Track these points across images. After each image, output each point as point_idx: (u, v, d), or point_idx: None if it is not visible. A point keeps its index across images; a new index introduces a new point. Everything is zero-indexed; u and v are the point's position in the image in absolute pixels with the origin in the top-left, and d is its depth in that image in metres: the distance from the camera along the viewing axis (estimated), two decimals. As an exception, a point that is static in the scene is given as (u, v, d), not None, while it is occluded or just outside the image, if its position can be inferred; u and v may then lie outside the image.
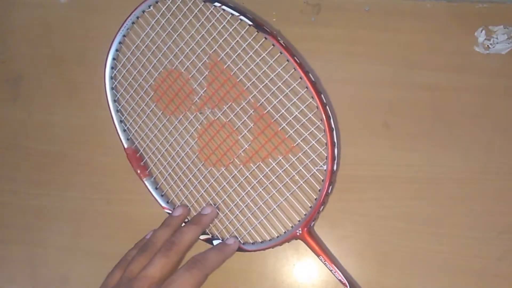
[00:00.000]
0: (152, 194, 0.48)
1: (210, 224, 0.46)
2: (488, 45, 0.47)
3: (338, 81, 0.48)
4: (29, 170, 0.51)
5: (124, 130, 0.49)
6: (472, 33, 0.48)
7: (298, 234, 0.42)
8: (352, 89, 0.48)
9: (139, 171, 0.48)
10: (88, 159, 0.50)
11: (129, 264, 0.40)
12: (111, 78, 0.48)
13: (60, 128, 0.52)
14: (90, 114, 0.51)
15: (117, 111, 0.49)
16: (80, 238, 0.49)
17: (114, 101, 0.49)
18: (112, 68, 0.48)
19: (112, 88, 0.49)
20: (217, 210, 0.46)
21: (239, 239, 0.45)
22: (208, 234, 0.46)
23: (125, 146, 0.48)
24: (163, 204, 0.47)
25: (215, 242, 0.45)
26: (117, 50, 0.48)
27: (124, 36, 0.48)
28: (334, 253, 0.45)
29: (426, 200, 0.46)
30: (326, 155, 0.42)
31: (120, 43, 0.48)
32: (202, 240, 0.45)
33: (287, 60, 0.42)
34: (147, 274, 0.38)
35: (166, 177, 0.48)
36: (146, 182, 0.48)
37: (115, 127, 0.48)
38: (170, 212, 0.46)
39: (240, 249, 0.44)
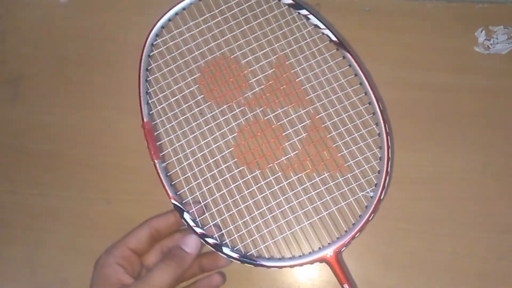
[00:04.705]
0: (161, 179, 0.42)
1: (222, 229, 0.42)
2: (488, 45, 0.47)
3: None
4: (29, 170, 0.51)
5: (148, 103, 0.44)
6: (472, 33, 0.48)
7: (328, 256, 0.40)
8: (351, 89, 0.48)
9: (152, 152, 0.43)
10: (88, 159, 0.50)
11: None
12: (152, 45, 0.44)
13: (60, 128, 0.52)
14: (90, 114, 0.51)
15: (146, 80, 0.44)
16: (80, 238, 0.49)
17: (146, 69, 0.44)
18: (156, 35, 0.44)
19: (148, 56, 0.44)
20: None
21: (254, 250, 0.41)
22: (216, 240, 0.41)
23: (145, 120, 0.43)
24: (171, 194, 0.42)
25: (224, 249, 0.41)
26: (169, 20, 0.44)
27: (176, 14, 0.45)
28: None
29: (426, 200, 0.46)
30: (375, 182, 0.41)
31: (176, 14, 0.44)
32: (211, 244, 0.41)
33: (360, 83, 0.42)
34: None
35: (184, 165, 0.43)
36: (157, 165, 0.42)
37: (140, 97, 0.44)
38: (177, 203, 0.41)
39: (255, 263, 0.41)
